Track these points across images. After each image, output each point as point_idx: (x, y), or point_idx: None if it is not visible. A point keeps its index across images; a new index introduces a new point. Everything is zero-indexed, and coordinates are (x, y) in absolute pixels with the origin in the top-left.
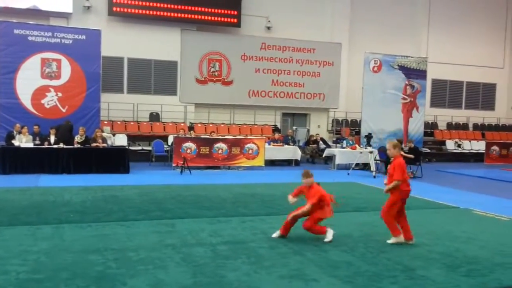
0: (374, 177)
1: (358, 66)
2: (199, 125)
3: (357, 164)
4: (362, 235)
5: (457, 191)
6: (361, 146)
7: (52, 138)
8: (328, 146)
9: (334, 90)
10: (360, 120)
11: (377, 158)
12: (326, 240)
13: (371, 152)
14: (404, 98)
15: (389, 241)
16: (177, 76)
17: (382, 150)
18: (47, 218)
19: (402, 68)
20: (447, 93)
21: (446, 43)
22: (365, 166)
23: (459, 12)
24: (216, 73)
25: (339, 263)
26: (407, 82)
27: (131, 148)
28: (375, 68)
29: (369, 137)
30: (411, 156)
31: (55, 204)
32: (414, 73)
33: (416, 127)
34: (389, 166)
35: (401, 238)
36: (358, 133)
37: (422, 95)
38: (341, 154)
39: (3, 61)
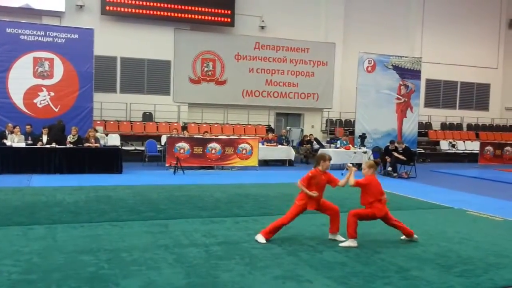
0: None
1: (352, 66)
2: (193, 125)
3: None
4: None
5: (451, 191)
6: (355, 146)
7: (45, 138)
8: (322, 146)
9: (328, 90)
10: (354, 120)
11: (371, 158)
12: (341, 244)
13: (365, 152)
14: (398, 98)
15: (342, 244)
16: (171, 75)
17: (376, 150)
18: (40, 219)
19: (396, 68)
20: (441, 93)
21: (440, 43)
22: (359, 167)
23: (453, 12)
24: (210, 73)
25: (333, 264)
26: (401, 82)
27: (124, 148)
28: (369, 68)
29: (363, 137)
30: (403, 158)
31: (48, 204)
32: (408, 73)
33: (410, 127)
34: (361, 180)
35: (354, 242)
36: (352, 133)
37: (416, 95)
38: (335, 154)
39: None
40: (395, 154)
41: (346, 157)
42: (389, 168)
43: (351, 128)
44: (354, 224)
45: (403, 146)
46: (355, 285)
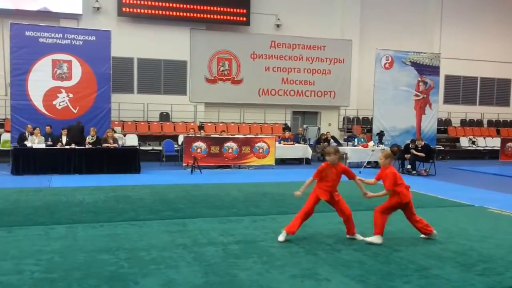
0: None
1: (369, 63)
2: (209, 124)
3: (369, 162)
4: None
5: (471, 189)
6: (373, 144)
7: (64, 139)
8: (339, 145)
9: (345, 88)
10: (371, 118)
11: None
12: (366, 238)
13: (383, 150)
14: (416, 95)
15: (367, 239)
16: (187, 75)
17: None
18: (60, 218)
19: (415, 64)
20: (461, 89)
21: (459, 38)
22: (377, 164)
23: (472, 6)
24: (226, 72)
25: (352, 262)
26: (419, 79)
27: (141, 148)
28: (387, 65)
29: (381, 134)
30: (422, 154)
31: (68, 204)
32: (426, 70)
33: (429, 124)
34: (378, 173)
35: (379, 239)
36: (369, 130)
37: (435, 91)
38: (353, 152)
39: (15, 63)
40: (414, 151)
41: (364, 155)
42: (408, 166)
43: (368, 126)
44: (381, 220)
45: (422, 143)
46: (373, 284)
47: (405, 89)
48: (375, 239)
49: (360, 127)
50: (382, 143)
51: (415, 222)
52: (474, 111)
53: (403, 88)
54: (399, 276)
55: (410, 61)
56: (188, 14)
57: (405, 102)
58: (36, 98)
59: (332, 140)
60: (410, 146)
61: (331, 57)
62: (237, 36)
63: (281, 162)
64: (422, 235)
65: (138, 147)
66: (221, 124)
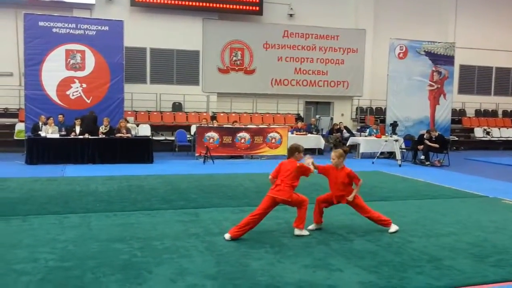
0: (400, 165)
1: (383, 52)
2: (222, 114)
3: (382, 153)
4: None
5: (485, 180)
6: (386, 134)
7: (78, 129)
8: (352, 135)
9: (358, 78)
10: (385, 108)
11: (403, 146)
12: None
13: (396, 141)
14: (431, 85)
15: (390, 230)
16: (199, 65)
17: (408, 138)
18: (74, 208)
19: (429, 54)
20: (476, 79)
21: (474, 27)
22: (390, 155)
23: None
24: (238, 62)
25: (364, 253)
26: (434, 68)
27: (154, 138)
28: (401, 55)
29: (394, 125)
30: (436, 145)
31: (82, 194)
32: (441, 59)
33: (443, 115)
34: (333, 180)
35: (394, 227)
36: (383, 121)
37: (449, 81)
38: (366, 142)
39: (29, 53)
40: (427, 142)
41: (377, 146)
42: (422, 157)
43: (382, 116)
44: (378, 214)
45: (436, 133)
46: (386, 274)
47: (419, 79)
48: (393, 226)
49: (373, 118)
50: (395, 134)
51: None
52: (489, 101)
53: (417, 78)
54: (412, 266)
55: (425, 51)
56: (200, 4)
57: (419, 92)
58: (50, 88)
59: (344, 131)
60: (424, 136)
61: (345, 47)
62: (249, 26)
63: None
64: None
65: (150, 137)
66: (233, 114)
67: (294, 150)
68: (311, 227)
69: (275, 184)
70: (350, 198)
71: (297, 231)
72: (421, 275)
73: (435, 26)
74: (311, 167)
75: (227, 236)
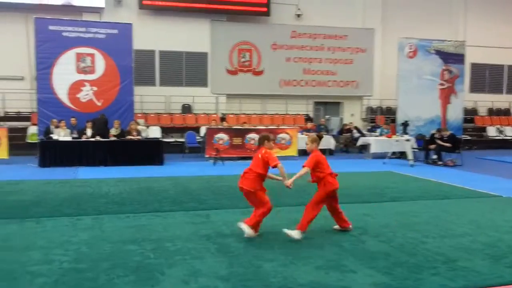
0: (411, 165)
1: (392, 52)
2: (231, 115)
3: (393, 153)
4: (400, 225)
5: (499, 179)
6: (397, 134)
7: (89, 132)
8: (363, 135)
9: (368, 77)
10: (395, 108)
11: (415, 146)
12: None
13: (408, 140)
14: (441, 84)
15: (287, 231)
16: (208, 67)
17: (419, 138)
18: (87, 209)
19: (439, 52)
20: (487, 78)
21: (485, 25)
22: (402, 155)
23: None
24: (247, 63)
25: (377, 254)
26: (444, 67)
27: (164, 140)
28: (410, 54)
29: (405, 124)
30: (448, 144)
31: (94, 196)
32: (451, 58)
33: (455, 114)
34: (309, 160)
35: (299, 234)
36: (393, 121)
37: (460, 80)
38: (376, 142)
39: (40, 57)
40: (439, 141)
41: (388, 146)
42: (434, 156)
43: (392, 116)
44: (308, 216)
45: (448, 133)
46: (400, 276)
47: (430, 78)
48: (296, 233)
49: (383, 117)
50: (406, 133)
51: (337, 213)
52: (501, 100)
53: (427, 77)
54: (427, 268)
55: (435, 50)
56: (208, 6)
57: (430, 92)
58: (61, 91)
59: (355, 131)
60: (435, 136)
61: (353, 47)
62: (257, 27)
63: (303, 153)
64: (336, 226)
65: (161, 139)
66: (242, 116)
67: (263, 139)
68: (336, 227)
69: (243, 172)
70: (287, 183)
71: (242, 225)
72: (436, 276)
73: (445, 25)
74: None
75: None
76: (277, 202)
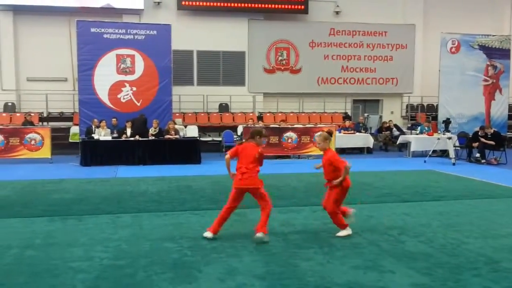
0: (454, 164)
1: (434, 47)
2: (268, 114)
3: (434, 151)
4: (441, 225)
5: None
6: (439, 132)
7: (129, 131)
8: (403, 133)
9: (408, 74)
10: (437, 105)
11: (457, 144)
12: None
13: (450, 138)
14: (485, 80)
15: (338, 234)
16: (245, 66)
17: (462, 136)
18: (126, 208)
19: (483, 48)
20: None
21: None
22: (443, 153)
23: None
24: (284, 62)
25: (417, 255)
26: (488, 63)
27: (202, 139)
28: (453, 49)
29: (447, 122)
30: (492, 142)
31: (133, 194)
32: (496, 53)
33: (499, 111)
34: (322, 161)
35: (349, 230)
36: (434, 118)
37: (505, 76)
38: (417, 141)
39: (82, 59)
40: (483, 139)
41: (429, 144)
42: (477, 155)
43: (433, 113)
44: (337, 218)
45: (492, 130)
46: (440, 277)
47: (473, 74)
48: (344, 231)
49: (424, 115)
50: (448, 131)
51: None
52: None
53: (470, 73)
54: (468, 269)
55: (478, 45)
56: (246, 5)
57: (473, 88)
58: (102, 92)
59: (394, 129)
60: (479, 133)
61: (393, 43)
62: (295, 25)
63: (341, 151)
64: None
65: (198, 138)
66: (280, 114)
67: (256, 133)
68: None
69: (241, 173)
70: (336, 182)
71: (259, 235)
72: (477, 277)
73: (489, 19)
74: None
75: (208, 234)
76: (310, 202)
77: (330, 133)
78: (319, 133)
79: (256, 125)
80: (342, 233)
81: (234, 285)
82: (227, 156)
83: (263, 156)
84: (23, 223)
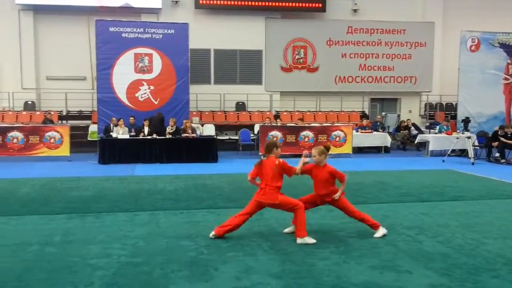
0: (473, 164)
1: (454, 45)
2: (285, 113)
3: (453, 151)
4: (459, 226)
5: None
6: (458, 131)
7: (146, 130)
8: (421, 132)
9: (427, 73)
10: (456, 104)
11: (476, 143)
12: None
13: (469, 138)
14: (506, 78)
15: (376, 235)
16: (262, 65)
17: (481, 135)
18: (143, 205)
19: (504, 45)
20: None
21: None
22: (462, 153)
23: None
24: (301, 60)
25: (435, 255)
26: (509, 61)
27: (218, 137)
28: (473, 47)
29: (466, 121)
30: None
31: (150, 192)
32: None
33: None
34: (316, 179)
35: (383, 229)
36: (453, 117)
37: None
38: (435, 140)
39: (101, 58)
40: (502, 139)
41: (447, 143)
42: (497, 154)
43: (452, 112)
44: (366, 215)
45: None
46: (458, 277)
47: (493, 73)
48: (381, 230)
49: (443, 114)
50: (467, 130)
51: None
52: None
53: (491, 72)
54: (487, 270)
55: (499, 43)
56: (263, 3)
57: (493, 86)
58: (120, 91)
59: (412, 128)
60: (498, 133)
61: (412, 41)
62: (312, 23)
63: (358, 150)
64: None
65: (215, 136)
66: (297, 113)
67: (272, 146)
68: (288, 230)
69: (260, 188)
70: (336, 196)
71: (299, 240)
72: (496, 278)
73: (509, 16)
74: (298, 166)
75: (211, 234)
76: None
77: (327, 148)
78: (316, 147)
79: (273, 124)
80: (378, 233)
81: (250, 284)
82: (249, 178)
83: (285, 164)
84: (42, 220)
